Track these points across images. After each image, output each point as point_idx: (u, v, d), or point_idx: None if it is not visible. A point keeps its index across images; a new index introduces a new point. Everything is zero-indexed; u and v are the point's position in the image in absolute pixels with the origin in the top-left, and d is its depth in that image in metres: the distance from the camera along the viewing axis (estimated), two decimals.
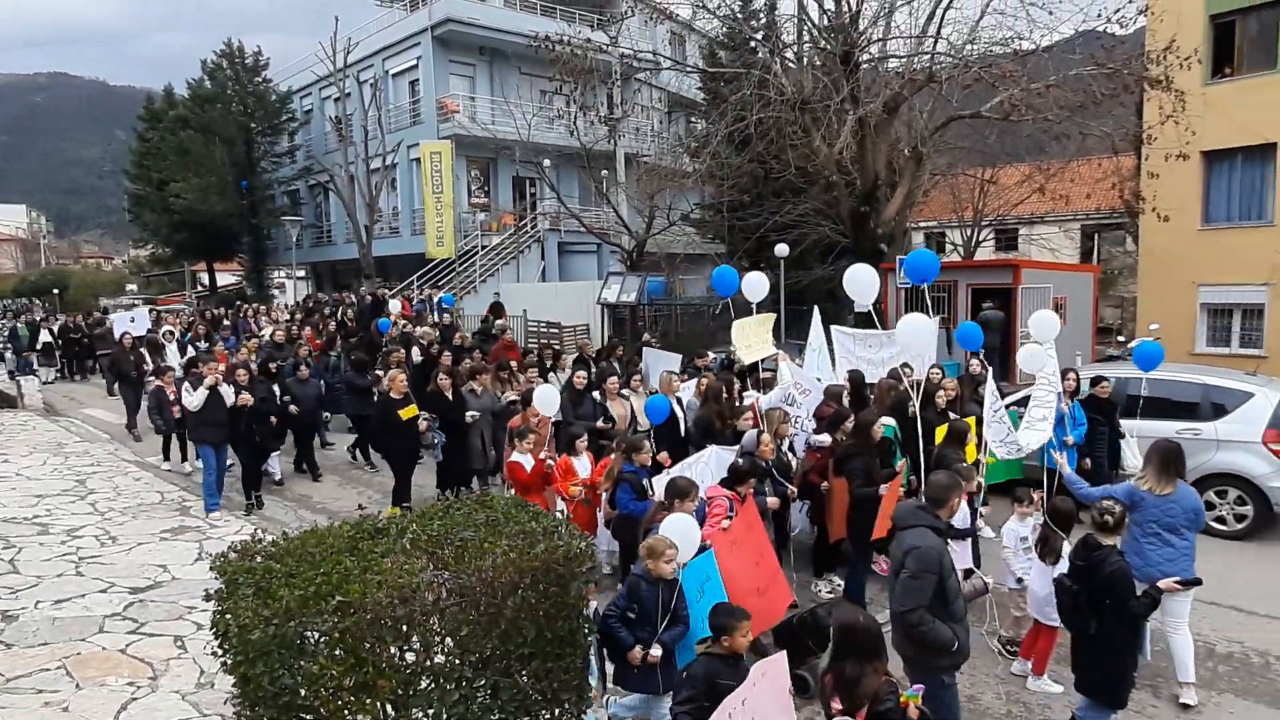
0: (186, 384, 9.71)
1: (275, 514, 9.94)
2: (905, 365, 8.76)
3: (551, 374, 11.28)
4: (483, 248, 27.21)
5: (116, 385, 15.21)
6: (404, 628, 3.53)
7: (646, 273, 23.72)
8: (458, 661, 3.75)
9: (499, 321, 17.91)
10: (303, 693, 3.39)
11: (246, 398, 9.61)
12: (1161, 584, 4.82)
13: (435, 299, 20.89)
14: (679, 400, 8.92)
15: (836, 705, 3.67)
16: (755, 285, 9.05)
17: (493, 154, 28.72)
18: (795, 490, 7.25)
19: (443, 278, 26.63)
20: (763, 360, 9.35)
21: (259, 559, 3.85)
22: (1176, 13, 17.03)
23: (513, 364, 11.04)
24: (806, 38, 17.80)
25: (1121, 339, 20.62)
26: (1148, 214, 16.95)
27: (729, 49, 22.09)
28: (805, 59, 17.55)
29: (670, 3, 20.47)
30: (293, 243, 27.90)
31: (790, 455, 7.49)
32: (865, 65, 16.25)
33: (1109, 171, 21.33)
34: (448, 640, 3.73)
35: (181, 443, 11.99)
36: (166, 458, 12.23)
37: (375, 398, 10.45)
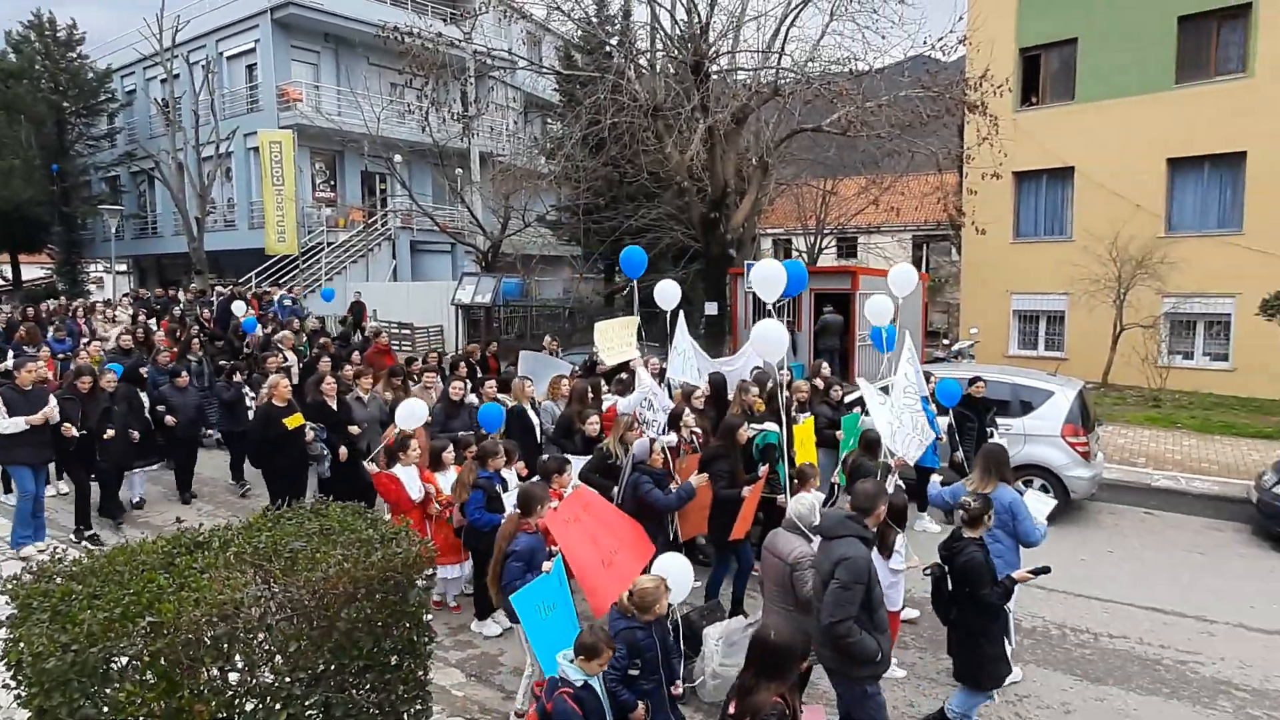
0: None
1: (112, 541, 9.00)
2: (756, 369, 9.08)
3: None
4: (329, 245, 25.98)
5: None
6: (225, 646, 3.33)
7: (502, 274, 23.46)
8: (287, 679, 3.57)
9: (372, 324, 17.01)
10: None
11: (72, 431, 8.26)
12: (1014, 574, 4.97)
13: (279, 296, 19.72)
14: (533, 405, 8.83)
15: (732, 709, 3.71)
16: (667, 294, 8.98)
17: (339, 147, 27.47)
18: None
19: (285, 275, 25.24)
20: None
21: (58, 580, 3.51)
22: (991, 44, 18.64)
23: (407, 370, 10.33)
24: (659, 46, 18.18)
25: (947, 342, 22.32)
26: (968, 227, 18.41)
27: (584, 52, 22.21)
28: (658, 67, 17.92)
29: (525, 2, 20.35)
30: (112, 234, 25.56)
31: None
32: (715, 76, 16.79)
33: (935, 187, 23.03)
34: (276, 657, 3.55)
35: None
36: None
37: (249, 410, 9.41)
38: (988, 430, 9.12)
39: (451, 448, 7.18)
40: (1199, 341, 18.46)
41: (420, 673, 4.04)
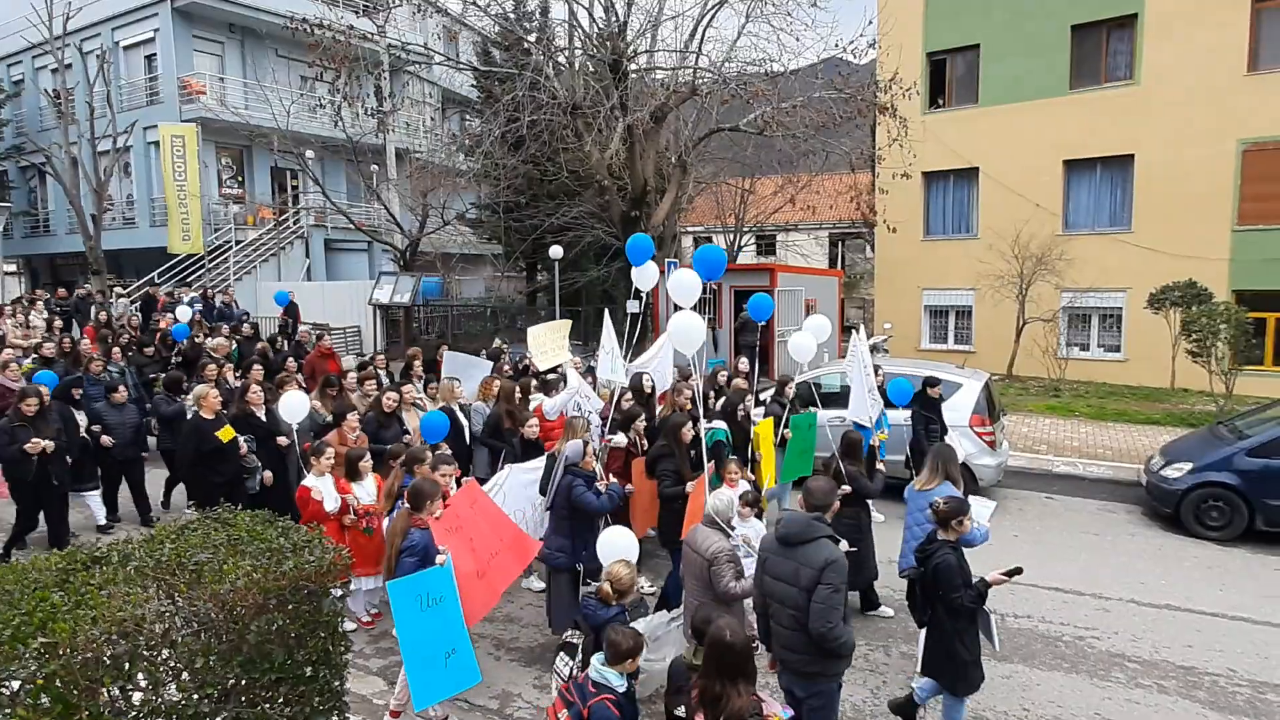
0: None
1: None
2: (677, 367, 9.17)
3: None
4: (237, 243, 25.00)
5: None
6: (126, 665, 3.18)
7: (421, 273, 23.04)
8: (194, 697, 3.44)
9: (314, 328, 15.71)
10: None
11: (41, 444, 7.63)
12: (988, 577, 4.86)
13: (189, 298, 18.79)
14: (461, 407, 8.71)
15: (699, 718, 3.64)
16: (646, 276, 8.50)
17: (247, 142, 26.41)
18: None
19: (190, 275, 24.17)
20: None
21: None
22: (900, 48, 19.28)
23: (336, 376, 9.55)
24: (578, 44, 18.14)
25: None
26: (880, 225, 18.99)
27: (502, 49, 21.97)
28: (577, 64, 17.88)
29: None
30: (0, 232, 24.09)
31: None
32: (633, 75, 16.85)
33: (849, 186, 23.67)
34: (183, 674, 3.41)
35: None
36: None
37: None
38: (945, 430, 9.40)
39: (369, 456, 6.96)
40: (1094, 334, 19.50)
41: (336, 683, 3.94)
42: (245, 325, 14.71)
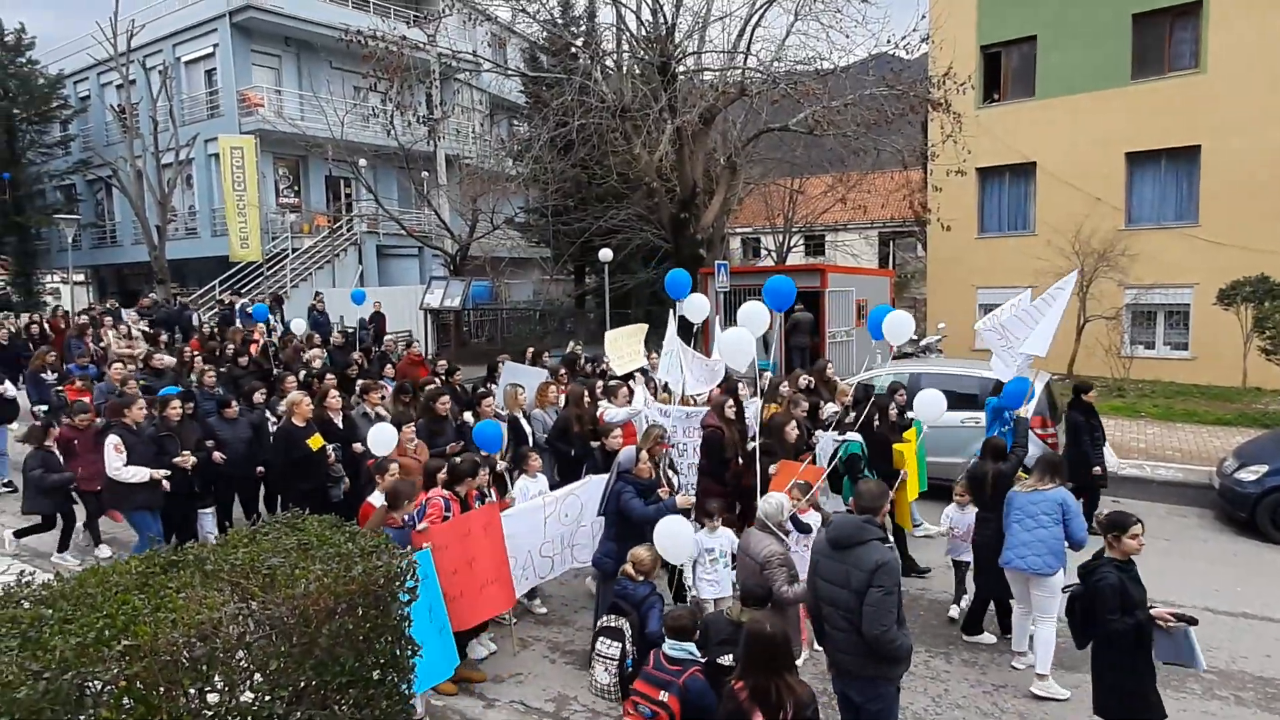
0: (113, 442, 7.22)
1: None
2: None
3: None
4: (294, 251, 25.62)
5: None
6: (204, 667, 3.26)
7: (471, 277, 23.31)
8: (268, 698, 3.51)
9: (399, 336, 15.86)
10: None
11: (189, 459, 7.53)
12: (1156, 611, 4.55)
13: (240, 304, 19.30)
14: (525, 415, 8.61)
15: (757, 717, 3.61)
16: (696, 308, 8.45)
17: (303, 152, 27.08)
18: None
19: (249, 283, 24.83)
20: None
21: (26, 605, 3.42)
22: (953, 42, 18.90)
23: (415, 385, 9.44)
24: (625, 47, 18.18)
25: (915, 336, 22.56)
26: (933, 223, 18.64)
27: (550, 54, 22.14)
28: (625, 68, 17.92)
29: (489, 3, 20.24)
30: (69, 243, 24.96)
31: (671, 473, 7.25)
32: (682, 76, 16.82)
33: (901, 184, 23.30)
34: (256, 676, 3.49)
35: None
36: (65, 546, 8.47)
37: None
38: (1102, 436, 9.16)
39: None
40: (1160, 331, 18.87)
41: (404, 686, 3.99)
42: (336, 334, 14.60)
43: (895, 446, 7.70)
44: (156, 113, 25.38)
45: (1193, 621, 4.53)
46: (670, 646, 4.28)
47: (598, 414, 8.36)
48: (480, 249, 25.20)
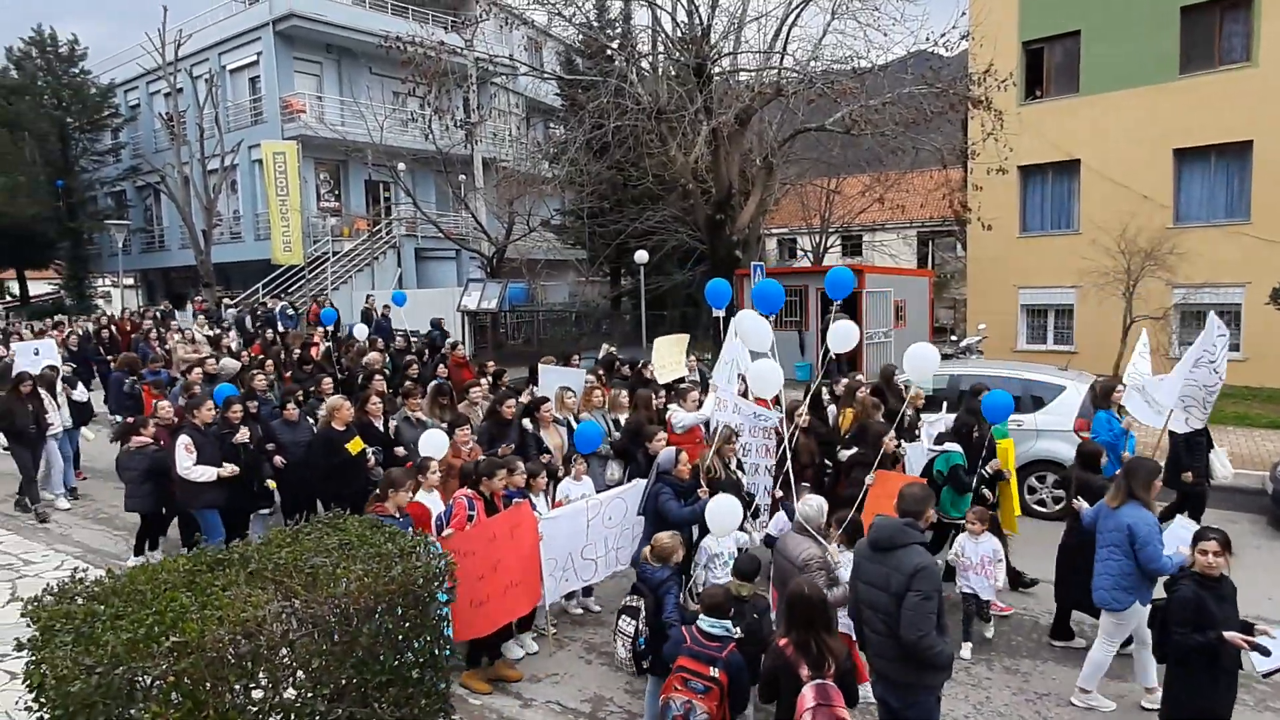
0: (184, 442, 7.40)
1: None
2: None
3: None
4: (335, 254, 26.05)
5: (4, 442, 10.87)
6: (249, 664, 3.33)
7: (507, 279, 23.49)
8: (310, 695, 3.58)
9: (449, 339, 15.62)
10: None
11: (244, 433, 7.68)
12: (1229, 635, 4.33)
13: (280, 307, 19.68)
14: (575, 418, 8.52)
15: (804, 670, 3.93)
16: (757, 334, 7.72)
17: (343, 156, 27.54)
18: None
19: (291, 285, 25.31)
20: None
21: (79, 601, 3.52)
22: (994, 38, 18.58)
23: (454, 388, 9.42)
24: (661, 49, 18.18)
25: (955, 338, 22.25)
26: (973, 223, 18.36)
27: (586, 57, 22.23)
28: (660, 69, 17.93)
29: (525, 8, 20.41)
30: (119, 248, 25.67)
31: (740, 474, 7.19)
32: (717, 77, 16.77)
33: (940, 183, 22.98)
34: (298, 674, 3.55)
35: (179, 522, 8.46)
36: (142, 550, 8.45)
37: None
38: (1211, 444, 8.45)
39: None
40: None
41: (442, 685, 4.04)
42: (399, 338, 14.61)
43: (999, 444, 7.34)
44: (203, 120, 26.01)
45: (1264, 651, 4.32)
46: (707, 624, 4.46)
47: (666, 417, 8.22)
48: (517, 251, 25.38)
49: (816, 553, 5.09)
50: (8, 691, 5.47)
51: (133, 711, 3.12)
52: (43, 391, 10.28)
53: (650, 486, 6.33)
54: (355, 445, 7.64)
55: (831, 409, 8.99)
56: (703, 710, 4.29)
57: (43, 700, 3.21)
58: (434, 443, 6.84)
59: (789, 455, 7.20)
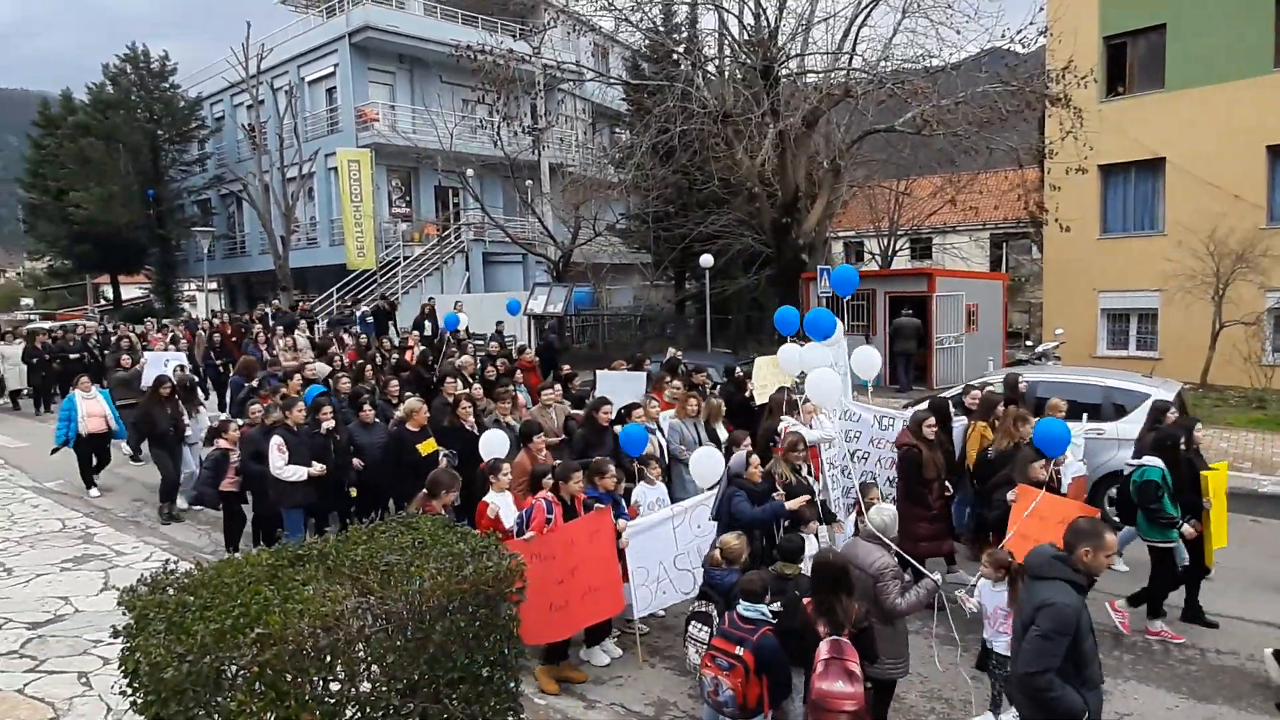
0: (277, 442, 7.64)
1: None
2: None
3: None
4: (405, 258, 26.72)
5: (145, 447, 11.13)
6: (328, 657, 3.44)
7: (573, 283, 23.71)
8: (384, 689, 3.67)
9: (519, 340, 15.68)
10: None
11: (319, 468, 7.74)
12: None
13: (361, 312, 20.24)
14: (657, 425, 8.38)
15: (822, 628, 4.37)
16: (866, 363, 7.84)
17: (414, 163, 28.26)
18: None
19: (364, 289, 26.05)
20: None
21: (171, 591, 3.68)
22: (1073, 34, 17.97)
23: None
24: (727, 52, 18.14)
25: (1030, 343, 21.59)
26: (1051, 224, 17.78)
27: (652, 61, 22.31)
28: (726, 73, 17.87)
29: (593, 15, 20.60)
30: (204, 254, 26.83)
31: (809, 479, 7.09)
32: (784, 80, 16.63)
33: (1015, 184, 22.35)
34: (373, 668, 3.65)
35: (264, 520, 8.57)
36: (235, 546, 8.61)
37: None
38: None
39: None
40: None
41: (511, 684, 4.09)
42: (492, 343, 14.66)
43: (1204, 474, 6.86)
44: (282, 130, 27.00)
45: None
46: (744, 607, 4.67)
47: (780, 429, 7.93)
48: (582, 255, 25.62)
49: (890, 561, 5.04)
50: (103, 676, 5.76)
51: (219, 699, 3.25)
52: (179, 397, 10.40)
53: (723, 490, 6.34)
54: (427, 446, 7.77)
55: (959, 422, 8.49)
56: (728, 686, 4.50)
57: (136, 685, 3.37)
58: (494, 443, 6.93)
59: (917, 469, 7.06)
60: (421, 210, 29.92)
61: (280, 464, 7.62)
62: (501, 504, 6.47)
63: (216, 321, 19.36)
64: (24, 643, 6.41)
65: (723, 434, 8.31)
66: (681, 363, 11.89)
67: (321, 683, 3.48)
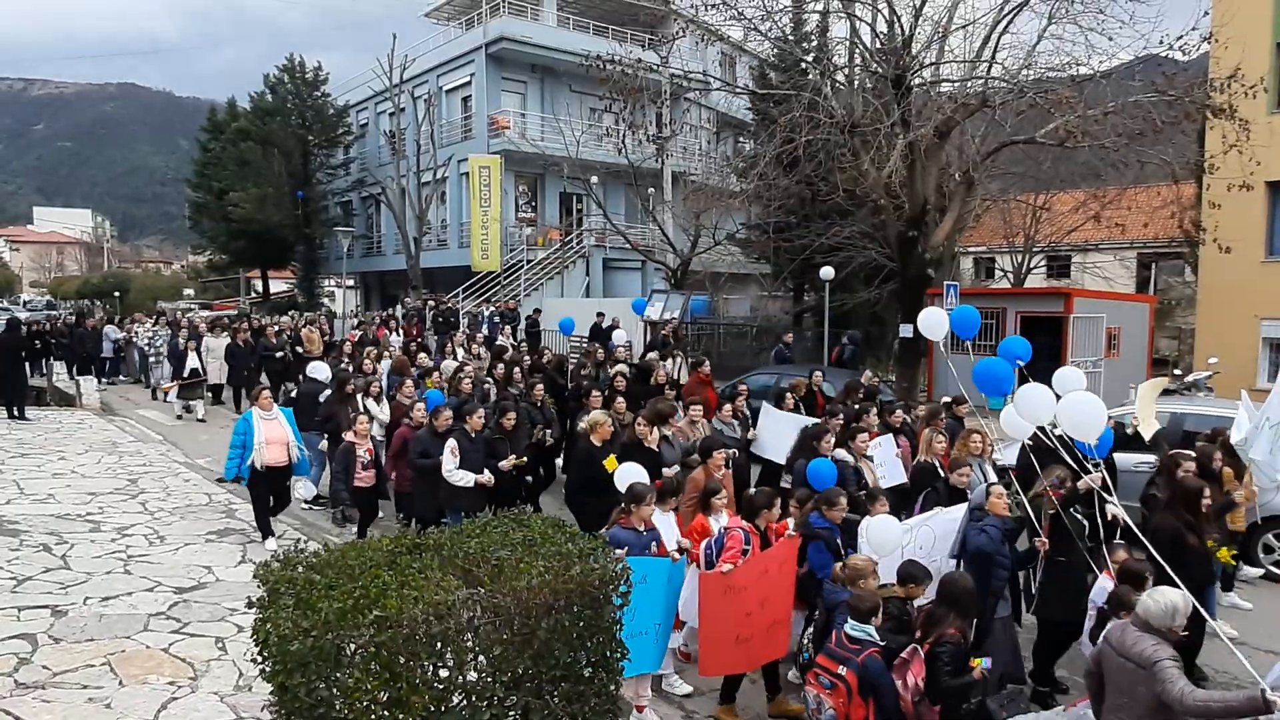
0: (451, 446, 7.74)
1: None
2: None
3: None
4: (528, 262, 27.48)
5: (323, 443, 10.17)
6: (438, 644, 3.56)
7: (690, 291, 23.73)
8: (490, 680, 3.77)
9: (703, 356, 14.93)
10: (337, 705, 3.43)
11: (511, 461, 8.04)
12: None
13: (489, 313, 20.87)
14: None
15: (918, 633, 4.72)
16: (933, 324, 7.47)
17: (541, 170, 29.08)
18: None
19: (488, 291, 26.96)
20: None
21: (300, 569, 3.91)
22: (1242, 40, 16.59)
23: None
24: (858, 61, 17.71)
25: (1179, 372, 20.04)
26: (1208, 245, 16.47)
27: (779, 70, 22.09)
28: (856, 82, 17.46)
29: (722, 24, 20.58)
30: (344, 253, 28.46)
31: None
32: (917, 89, 16.09)
33: (1168, 200, 20.85)
34: (480, 658, 3.75)
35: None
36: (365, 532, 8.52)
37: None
38: None
39: (723, 493, 6.49)
40: None
41: (612, 687, 4.12)
42: (619, 350, 14.53)
43: None
44: (420, 136, 28.33)
45: None
46: (851, 627, 4.60)
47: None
48: (701, 264, 25.62)
49: (1168, 650, 3.97)
50: (237, 642, 6.18)
51: (339, 674, 3.42)
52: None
53: (963, 524, 5.99)
54: (610, 463, 7.29)
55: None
56: (829, 706, 4.49)
57: (266, 654, 3.59)
58: (627, 475, 6.41)
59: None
60: (546, 215, 30.73)
61: (450, 467, 7.72)
62: (661, 523, 5.99)
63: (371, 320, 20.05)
64: (171, 605, 6.96)
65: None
66: (879, 387, 11.08)
67: (431, 668, 3.60)
